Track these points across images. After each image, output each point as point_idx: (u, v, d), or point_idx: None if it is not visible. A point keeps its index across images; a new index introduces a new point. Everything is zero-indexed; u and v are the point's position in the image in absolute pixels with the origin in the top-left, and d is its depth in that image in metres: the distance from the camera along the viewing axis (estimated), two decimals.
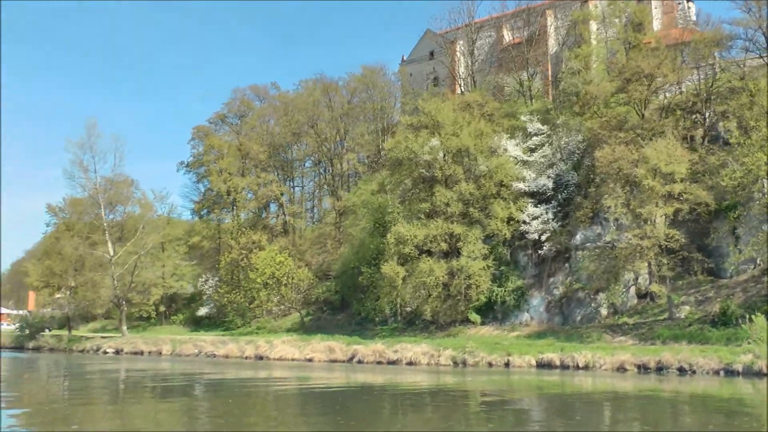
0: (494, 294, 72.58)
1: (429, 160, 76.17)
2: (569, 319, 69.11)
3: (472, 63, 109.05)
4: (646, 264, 64.13)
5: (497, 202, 73.81)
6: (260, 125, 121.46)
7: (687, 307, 62.82)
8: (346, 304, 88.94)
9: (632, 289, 67.72)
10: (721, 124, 69.21)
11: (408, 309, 79.32)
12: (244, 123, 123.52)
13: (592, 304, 68.23)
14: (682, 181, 61.36)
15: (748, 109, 63.63)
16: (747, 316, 54.60)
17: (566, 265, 72.44)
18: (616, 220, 67.10)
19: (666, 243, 61.03)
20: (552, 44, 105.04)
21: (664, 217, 64.07)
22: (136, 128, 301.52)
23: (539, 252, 73.64)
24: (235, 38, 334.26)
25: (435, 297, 72.13)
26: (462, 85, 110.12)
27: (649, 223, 61.73)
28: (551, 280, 72.62)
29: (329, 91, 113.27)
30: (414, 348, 64.00)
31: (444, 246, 73.06)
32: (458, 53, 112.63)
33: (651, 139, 66.16)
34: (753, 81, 65.45)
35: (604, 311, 67.57)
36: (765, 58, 71.18)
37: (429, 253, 73.76)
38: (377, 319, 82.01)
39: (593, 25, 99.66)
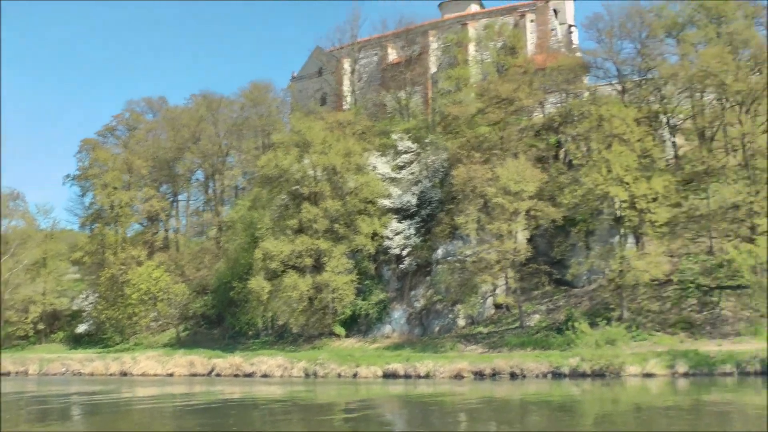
0: (358, 307, 74.78)
1: (298, 178, 78.01)
2: (428, 330, 71.70)
3: (355, 81, 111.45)
4: (502, 276, 67.33)
5: (362, 219, 75.82)
6: (148, 139, 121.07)
7: (537, 316, 66.78)
8: (222, 318, 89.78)
9: (489, 300, 70.63)
10: (569, 146, 72.63)
11: (279, 323, 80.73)
12: (132, 136, 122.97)
13: (450, 316, 71.08)
14: (530, 198, 64.58)
15: (595, 133, 67.09)
16: (571, 323, 58.56)
17: (427, 278, 75.07)
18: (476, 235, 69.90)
19: (514, 257, 64.15)
20: (433, 64, 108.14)
21: (518, 232, 67.45)
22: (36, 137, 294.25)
23: (401, 266, 76.01)
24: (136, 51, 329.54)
25: (301, 311, 73.83)
26: (346, 103, 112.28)
27: (503, 238, 64.54)
28: (413, 293, 75.19)
29: (213, 107, 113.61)
30: (269, 361, 65.88)
31: (309, 261, 74.63)
32: (344, 71, 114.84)
33: (506, 159, 69.36)
34: (599, 107, 68.93)
35: (461, 322, 70.47)
36: (616, 86, 76.13)
37: (296, 268, 75.23)
38: (250, 332, 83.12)
39: (472, 48, 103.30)
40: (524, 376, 53.26)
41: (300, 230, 77.04)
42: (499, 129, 74.51)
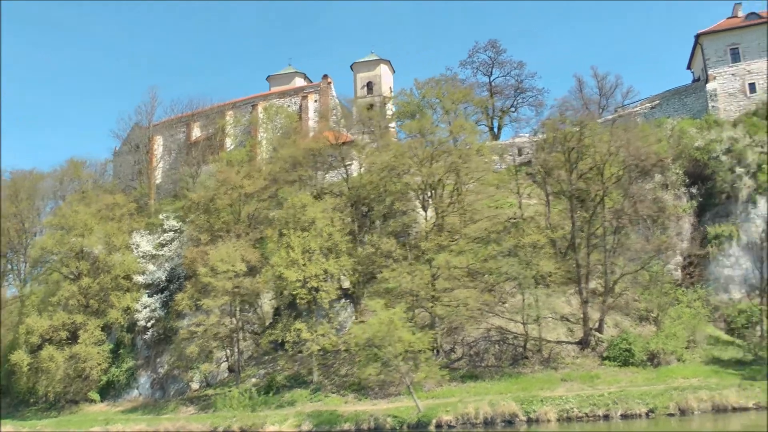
0: (112, 374, 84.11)
1: (61, 258, 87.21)
2: (167, 393, 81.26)
3: (158, 158, 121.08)
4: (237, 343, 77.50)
5: (115, 294, 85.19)
6: None
7: (254, 379, 75.88)
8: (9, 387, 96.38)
9: (224, 365, 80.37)
10: (267, 230, 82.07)
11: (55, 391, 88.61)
12: None
13: (185, 380, 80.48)
14: (237, 277, 74.45)
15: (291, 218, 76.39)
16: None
17: (172, 346, 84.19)
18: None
19: (237, 327, 76.04)
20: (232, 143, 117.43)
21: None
22: None
23: (144, 336, 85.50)
24: None
25: (59, 380, 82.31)
26: (156, 177, 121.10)
27: (209, 314, 74.77)
28: (158, 360, 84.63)
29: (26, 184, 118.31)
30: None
31: (65, 334, 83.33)
32: (153, 148, 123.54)
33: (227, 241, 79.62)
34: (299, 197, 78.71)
35: (195, 385, 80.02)
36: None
37: (52, 341, 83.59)
38: (31, 400, 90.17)
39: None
40: None
41: (60, 307, 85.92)
42: (233, 212, 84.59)
